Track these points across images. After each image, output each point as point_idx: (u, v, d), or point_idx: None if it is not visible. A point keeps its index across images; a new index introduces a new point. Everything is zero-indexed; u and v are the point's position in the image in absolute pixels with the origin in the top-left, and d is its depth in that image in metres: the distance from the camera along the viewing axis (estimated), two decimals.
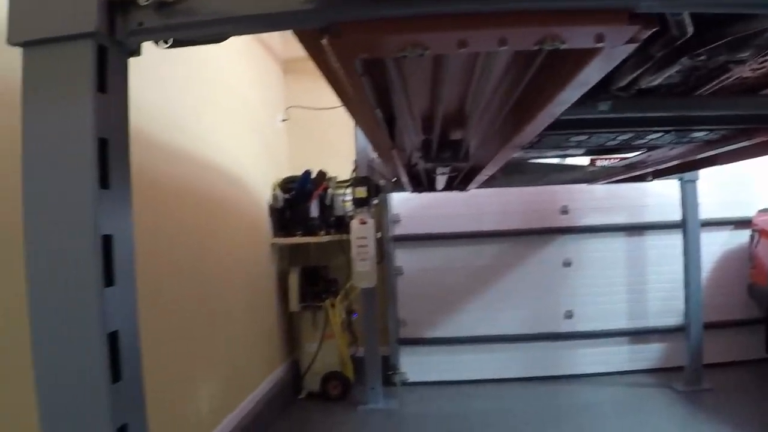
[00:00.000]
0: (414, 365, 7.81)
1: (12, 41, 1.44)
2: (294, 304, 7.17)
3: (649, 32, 1.59)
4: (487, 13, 1.49)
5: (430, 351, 7.82)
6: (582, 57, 1.80)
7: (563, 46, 1.59)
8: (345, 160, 7.57)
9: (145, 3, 1.43)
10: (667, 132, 3.98)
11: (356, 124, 3.72)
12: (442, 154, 3.65)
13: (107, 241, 1.39)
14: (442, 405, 7.04)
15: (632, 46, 1.66)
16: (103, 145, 1.39)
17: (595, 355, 7.87)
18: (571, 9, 1.49)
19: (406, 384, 7.72)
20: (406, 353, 7.82)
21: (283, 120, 7.97)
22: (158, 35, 1.52)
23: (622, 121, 3.53)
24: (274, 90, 7.79)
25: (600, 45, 1.60)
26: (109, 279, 1.39)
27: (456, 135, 3.44)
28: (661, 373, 7.77)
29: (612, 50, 1.68)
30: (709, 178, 7.24)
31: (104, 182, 1.39)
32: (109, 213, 1.40)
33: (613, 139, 4.29)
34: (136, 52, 1.55)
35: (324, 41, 1.53)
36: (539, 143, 4.01)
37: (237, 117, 6.18)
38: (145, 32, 1.48)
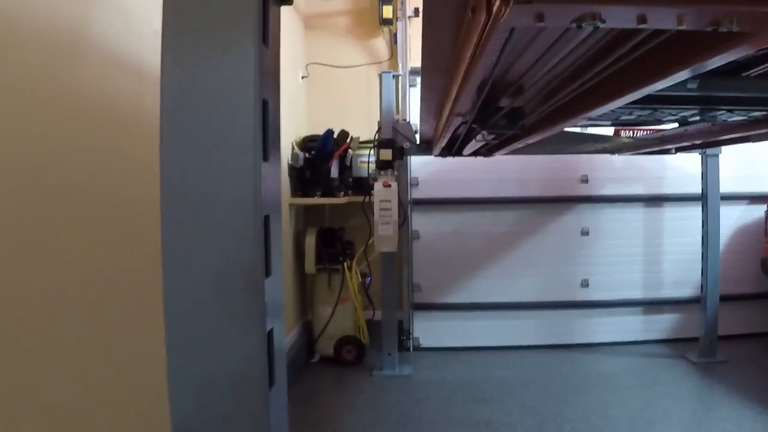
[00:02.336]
0: (428, 330, 7.74)
1: None
2: (310, 266, 7.02)
3: None
4: None
5: (445, 316, 7.74)
6: (730, 42, 1.75)
7: (736, 29, 1.48)
8: (364, 121, 7.44)
9: None
10: (729, 110, 3.92)
11: (424, 86, 3.59)
12: (499, 121, 3.54)
13: (266, 223, 1.22)
14: (458, 372, 6.96)
15: None
16: (264, 108, 1.21)
17: (610, 324, 7.84)
18: None
19: (419, 349, 7.66)
20: (419, 318, 7.75)
21: (303, 77, 7.78)
22: None
23: (702, 98, 3.45)
24: (295, 45, 7.59)
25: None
26: (267, 269, 1.22)
27: (517, 102, 3.32)
28: (675, 343, 7.77)
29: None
30: (725, 153, 7.16)
31: (265, 153, 1.21)
32: (269, 191, 1.23)
33: (675, 115, 4.21)
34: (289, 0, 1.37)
35: (504, 3, 1.39)
36: (601, 115, 3.89)
37: None
38: None
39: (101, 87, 2.64)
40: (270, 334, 1.24)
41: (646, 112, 4.04)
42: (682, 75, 2.17)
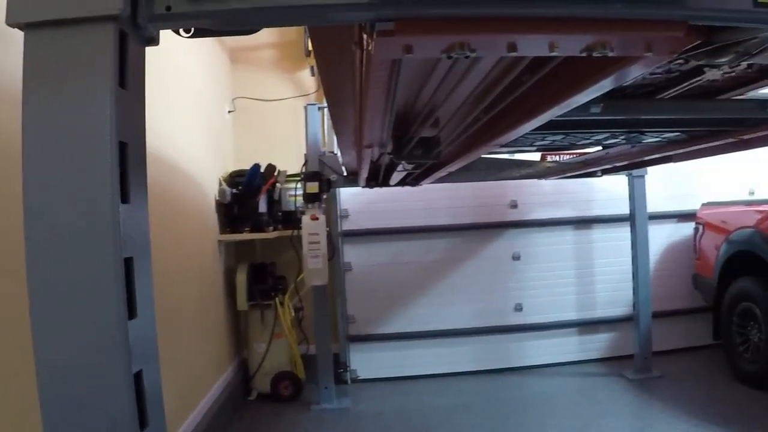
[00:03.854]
0: (364, 362, 7.71)
1: (11, 21, 1.22)
2: (242, 302, 6.94)
3: (694, 43, 1.65)
4: (539, 18, 1.43)
5: (381, 347, 7.73)
6: (617, 64, 1.80)
7: (611, 54, 1.56)
8: (291, 154, 7.42)
9: None
10: (641, 132, 4.02)
11: (334, 120, 3.62)
12: (414, 151, 3.57)
13: (129, 265, 1.21)
14: (396, 402, 6.94)
15: (673, 56, 1.69)
16: (122, 150, 1.20)
17: (545, 347, 7.92)
18: (628, 18, 1.45)
19: (357, 381, 7.61)
20: (356, 350, 7.72)
21: (230, 111, 7.74)
22: (186, 22, 1.33)
23: (607, 122, 3.54)
24: (221, 79, 7.54)
25: (648, 54, 1.58)
26: (131, 309, 1.21)
27: (429, 132, 3.36)
28: (611, 362, 7.89)
29: (651, 59, 1.67)
30: (653, 173, 7.30)
31: (124, 195, 1.20)
32: (131, 233, 1.21)
33: (588, 138, 4.29)
34: (155, 40, 1.36)
35: (370, 38, 1.42)
36: (514, 141, 3.95)
37: (185, 106, 5.90)
38: (171, 18, 1.28)
39: None
40: (138, 375, 1.22)
41: (558, 137, 4.10)
42: (577, 100, 2.22)
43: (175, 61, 5.60)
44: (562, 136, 4.09)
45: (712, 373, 7.17)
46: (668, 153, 4.91)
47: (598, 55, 1.53)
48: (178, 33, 1.42)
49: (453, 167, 4.51)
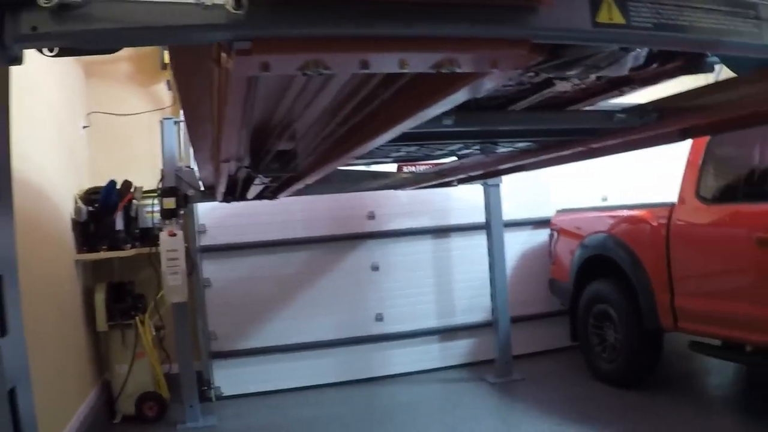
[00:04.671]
0: (229, 378, 7.64)
1: None
2: (102, 323, 6.75)
3: (538, 59, 1.79)
4: (389, 37, 1.51)
5: (245, 362, 7.68)
6: (458, 80, 1.90)
7: (458, 70, 1.66)
8: (149, 169, 7.30)
9: (46, 4, 1.24)
10: (493, 143, 4.13)
11: (192, 135, 3.61)
12: (271, 164, 3.61)
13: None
14: (262, 417, 6.94)
15: (518, 72, 1.88)
16: None
17: (407, 355, 8.05)
18: (474, 37, 1.55)
19: (221, 398, 7.53)
20: (219, 367, 7.64)
21: (85, 127, 7.55)
22: (52, 42, 1.35)
23: (461, 133, 3.63)
24: (75, 94, 7.35)
25: (493, 70, 1.70)
26: (2, 327, 1.20)
27: (287, 146, 3.39)
28: (473, 367, 8.09)
29: (499, 74, 1.80)
30: (510, 182, 7.55)
31: None
32: None
33: (442, 150, 4.38)
34: (19, 60, 1.36)
35: (228, 56, 1.47)
36: (369, 153, 4.02)
37: (38, 121, 5.72)
38: (37, 38, 1.30)
39: None
40: (12, 392, 1.21)
41: (413, 149, 4.19)
42: (429, 112, 2.32)
43: (25, 73, 5.42)
44: (417, 148, 4.19)
45: (571, 373, 7.45)
46: (521, 162, 5.07)
47: (446, 71, 1.62)
48: (41, 52, 1.42)
49: (310, 179, 4.55)
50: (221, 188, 5.13)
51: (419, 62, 1.63)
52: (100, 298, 6.77)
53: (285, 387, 7.66)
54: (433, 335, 8.15)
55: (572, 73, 2.58)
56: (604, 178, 8.47)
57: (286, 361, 7.73)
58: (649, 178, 8.02)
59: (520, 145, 4.35)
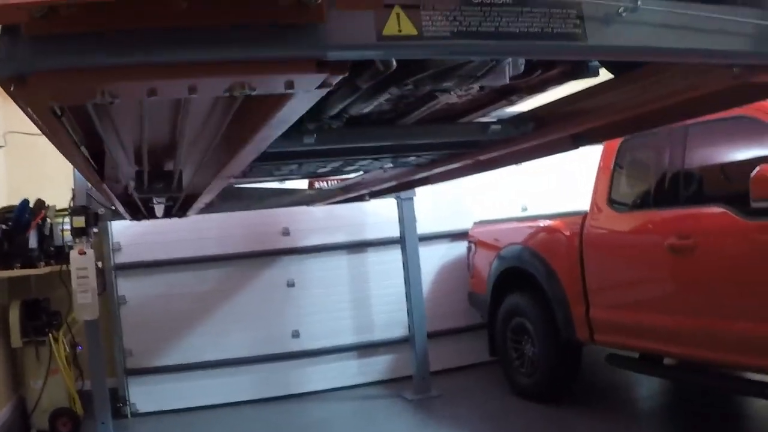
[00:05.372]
0: (144, 395, 7.68)
1: None
2: (15, 339, 6.83)
3: (340, 77, 1.71)
4: (179, 64, 1.52)
5: (161, 379, 7.72)
6: (277, 101, 1.92)
7: (254, 93, 1.68)
8: (66, 188, 7.32)
9: None
10: (375, 159, 4.18)
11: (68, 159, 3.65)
12: (155, 185, 3.65)
13: None
14: None
15: (325, 90, 1.80)
16: None
17: (324, 372, 8.10)
18: (260, 59, 1.56)
19: (137, 415, 7.57)
20: (135, 383, 7.68)
21: (1, 147, 7.57)
22: None
23: (329, 151, 3.68)
24: None
25: (290, 91, 1.71)
26: None
27: (168, 166, 3.45)
28: (391, 383, 8.13)
29: (306, 94, 1.81)
30: (426, 195, 7.66)
31: None
32: None
33: (324, 167, 4.46)
34: None
35: (11, 89, 1.52)
36: (252, 172, 4.10)
37: None
38: None
39: None
40: None
41: (293, 166, 4.27)
42: (270, 132, 2.37)
43: None
44: (297, 165, 4.25)
45: (490, 388, 7.48)
46: (416, 176, 5.15)
47: (240, 94, 1.66)
48: None
49: (205, 198, 4.62)
50: (119, 207, 5.18)
51: (210, 87, 1.68)
52: (14, 314, 6.85)
53: (201, 404, 7.70)
54: (351, 351, 8.22)
55: (449, 84, 2.64)
56: (524, 188, 8.57)
57: (203, 378, 7.78)
58: (570, 185, 8.00)
59: (410, 159, 4.42)
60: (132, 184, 3.82)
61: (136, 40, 1.45)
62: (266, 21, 1.49)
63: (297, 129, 2.92)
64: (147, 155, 3.05)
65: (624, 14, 1.86)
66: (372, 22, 1.62)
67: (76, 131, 2.38)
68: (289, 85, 1.66)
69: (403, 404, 7.36)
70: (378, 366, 8.31)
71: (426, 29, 1.68)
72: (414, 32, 1.67)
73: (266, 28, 1.50)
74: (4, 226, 6.83)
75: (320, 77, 1.64)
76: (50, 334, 6.96)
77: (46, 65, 1.46)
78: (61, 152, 2.54)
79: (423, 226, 7.86)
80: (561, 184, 8.32)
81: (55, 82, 1.51)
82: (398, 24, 1.65)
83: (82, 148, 2.61)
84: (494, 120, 3.59)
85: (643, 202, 5.83)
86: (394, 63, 2.16)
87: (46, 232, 7.04)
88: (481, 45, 1.79)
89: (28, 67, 1.46)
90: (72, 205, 6.49)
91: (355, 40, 1.62)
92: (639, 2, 1.84)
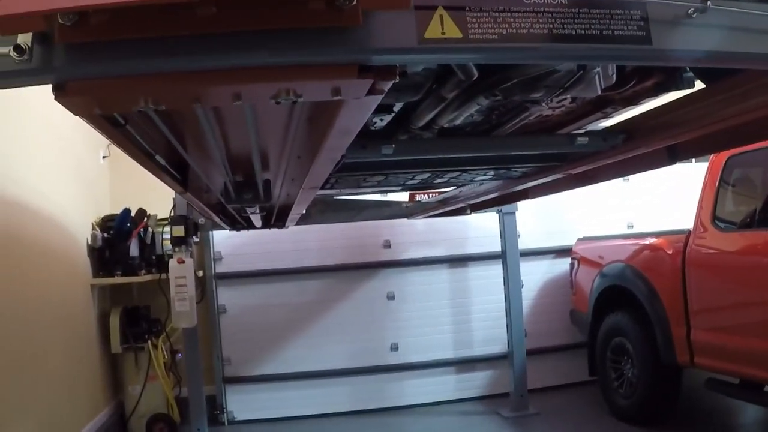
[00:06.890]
0: (241, 403, 7.73)
1: None
2: (116, 345, 6.94)
3: (390, 83, 1.62)
4: (222, 70, 1.47)
5: (257, 388, 7.76)
6: (333, 109, 1.83)
7: (300, 100, 1.61)
8: (168, 197, 7.44)
9: None
10: (463, 171, 4.08)
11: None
12: (243, 195, 3.62)
13: None
14: None
15: (378, 98, 1.69)
16: None
17: (422, 386, 8.00)
18: (302, 64, 1.49)
19: (234, 423, 7.62)
20: (232, 392, 7.74)
21: (104, 157, 7.74)
22: None
23: (412, 162, 3.60)
24: None
25: (338, 98, 1.63)
26: None
27: (260, 177, 3.42)
28: (488, 400, 7.97)
29: (358, 101, 1.70)
30: (529, 210, 7.51)
31: None
32: None
33: (413, 178, 4.37)
34: None
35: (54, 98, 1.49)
36: (338, 183, 4.05)
37: (53, 154, 5.97)
38: None
39: None
40: None
41: (381, 178, 4.20)
42: (337, 142, 2.29)
43: (40, 109, 5.56)
44: (383, 177, 4.19)
45: (588, 409, 7.28)
46: (510, 190, 5.03)
47: (286, 101, 1.60)
48: None
49: (298, 209, 4.59)
50: (214, 218, 5.21)
51: (255, 93, 1.63)
52: (114, 321, 6.96)
53: (298, 414, 7.70)
54: (449, 366, 8.10)
55: (537, 95, 2.56)
56: (631, 204, 8.33)
57: (300, 389, 7.78)
58: (680, 202, 7.51)
59: (499, 172, 4.29)
60: (221, 194, 3.81)
61: (169, 46, 1.39)
62: (297, 25, 1.41)
63: (383, 138, 2.88)
64: (230, 165, 3.01)
65: (694, 15, 1.69)
66: (413, 25, 1.53)
67: (152, 140, 2.34)
68: (336, 91, 1.59)
69: (500, 421, 7.22)
70: (476, 382, 8.16)
71: (472, 31, 1.58)
72: (459, 35, 1.57)
73: (299, 32, 1.43)
74: (106, 234, 6.97)
75: (365, 83, 1.57)
76: (149, 341, 7.06)
77: (80, 73, 1.43)
78: (136, 161, 2.51)
79: (526, 242, 7.73)
80: (670, 201, 8.00)
81: (93, 90, 1.48)
82: (441, 26, 1.56)
83: (157, 158, 2.57)
84: (581, 132, 3.46)
85: (749, 222, 5.50)
86: (475, 71, 2.07)
87: (148, 240, 7.14)
88: (533, 48, 1.68)
89: (63, 75, 1.43)
90: (172, 214, 6.57)
91: (394, 43, 1.53)
92: (709, 2, 1.67)
